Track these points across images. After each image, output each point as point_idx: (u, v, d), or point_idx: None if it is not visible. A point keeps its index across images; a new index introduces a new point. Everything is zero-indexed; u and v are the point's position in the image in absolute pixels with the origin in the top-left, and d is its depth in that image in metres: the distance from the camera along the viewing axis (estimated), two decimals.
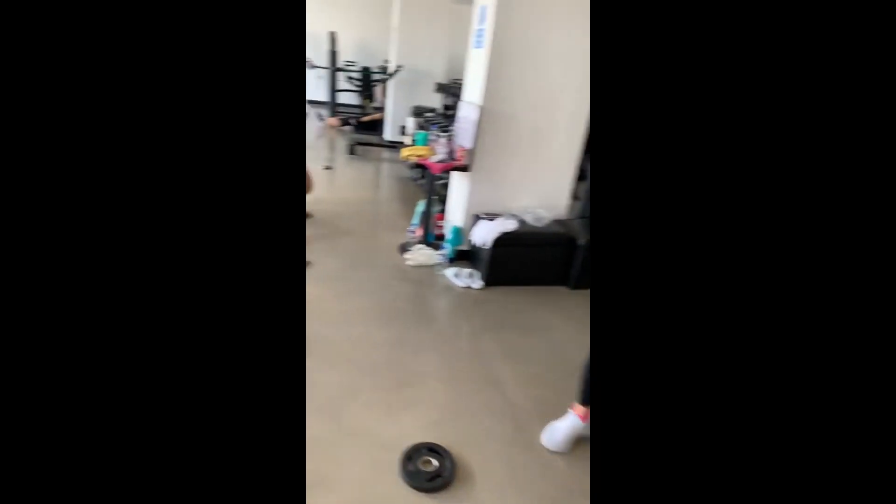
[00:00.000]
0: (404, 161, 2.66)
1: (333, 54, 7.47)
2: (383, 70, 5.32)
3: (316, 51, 8.02)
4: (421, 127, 2.88)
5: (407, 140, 2.79)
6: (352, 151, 5.24)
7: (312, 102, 8.31)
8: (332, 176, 4.41)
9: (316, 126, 6.83)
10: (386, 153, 5.66)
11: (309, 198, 3.17)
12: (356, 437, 1.50)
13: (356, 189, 4.18)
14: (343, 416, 1.57)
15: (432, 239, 3.01)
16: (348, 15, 8.28)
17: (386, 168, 5.18)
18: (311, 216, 3.33)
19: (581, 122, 2.67)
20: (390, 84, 5.49)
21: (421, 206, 3.04)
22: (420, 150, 2.62)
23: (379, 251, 2.87)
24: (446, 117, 5.58)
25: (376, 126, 6.80)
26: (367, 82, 8.31)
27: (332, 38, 7.51)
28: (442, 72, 5.78)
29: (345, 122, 6.74)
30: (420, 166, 2.64)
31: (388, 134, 5.89)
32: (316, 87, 7.89)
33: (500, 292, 2.55)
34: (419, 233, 3.00)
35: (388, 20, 8.22)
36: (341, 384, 1.71)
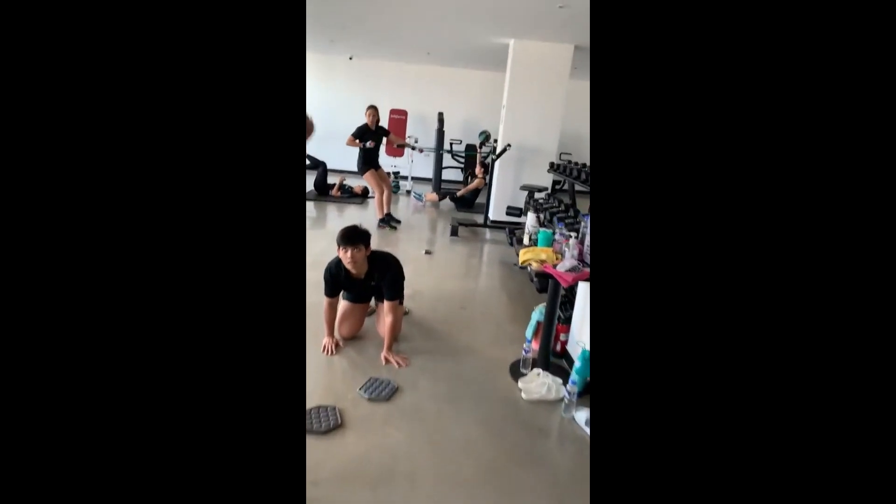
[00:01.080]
0: (524, 267, 2.12)
1: (441, 134, 7.57)
2: (492, 149, 5.08)
3: (424, 131, 8.26)
4: (542, 224, 2.36)
5: (525, 238, 2.30)
6: (454, 233, 4.91)
7: (417, 179, 8.45)
8: (431, 263, 4.06)
9: (413, 203, 6.78)
10: (489, 234, 5.26)
11: (407, 291, 2.78)
12: None
13: (458, 279, 3.75)
14: None
15: (553, 359, 2.37)
16: (456, 94, 8.49)
17: (489, 251, 4.73)
18: (408, 313, 2.92)
19: None
20: (497, 163, 5.20)
21: (538, 315, 2.44)
22: (542, 252, 2.08)
23: (485, 373, 2.30)
24: (554, 193, 5.13)
25: (475, 197, 6.53)
26: (474, 159, 8.26)
27: (441, 119, 7.65)
28: (553, 149, 5.38)
29: (443, 197, 6.58)
30: (543, 276, 2.08)
31: (493, 213, 5.52)
32: (424, 164, 8.02)
33: None
34: (535, 347, 2.39)
35: (494, 97, 8.25)
36: None
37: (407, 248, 4.38)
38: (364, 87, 8.30)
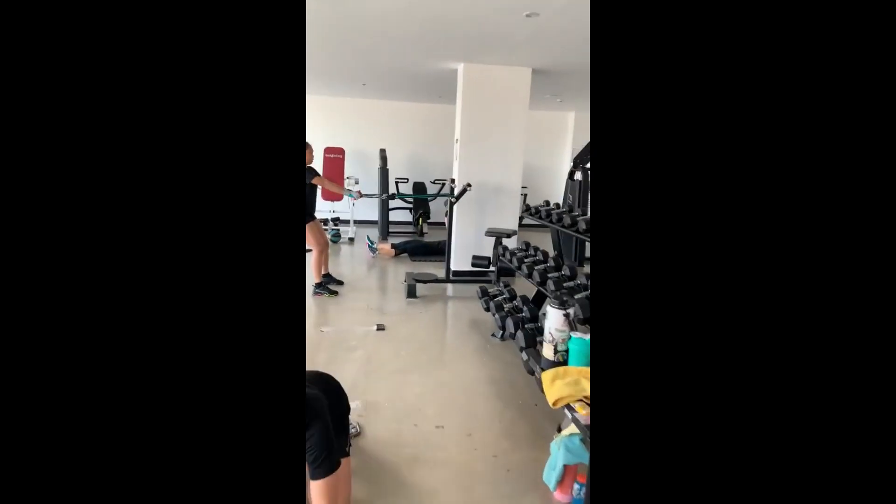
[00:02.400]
0: (570, 409, 1.23)
1: (385, 172, 6.75)
2: (450, 190, 4.29)
3: (365, 171, 7.41)
4: (573, 323, 1.51)
5: (546, 348, 1.45)
6: (411, 293, 4.01)
7: (361, 223, 7.52)
8: (386, 342, 3.10)
9: (368, 256, 5.83)
10: (452, 289, 4.40)
11: (354, 404, 1.83)
12: None
13: (424, 367, 2.82)
14: None
15: None
16: (399, 129, 7.75)
17: (456, 312, 3.86)
18: (357, 434, 1.96)
19: None
20: (455, 206, 4.42)
21: (562, 453, 1.57)
22: (584, 380, 1.24)
23: None
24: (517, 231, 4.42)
25: (439, 250, 5.70)
26: (423, 199, 7.48)
27: (383, 156, 6.85)
28: (517, 186, 4.70)
29: (400, 251, 5.68)
30: None
31: (455, 263, 4.68)
32: (368, 206, 7.13)
33: None
34: (564, 502, 1.51)
35: (443, 131, 7.61)
36: None
37: (352, 322, 3.40)
38: None
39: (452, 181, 4.39)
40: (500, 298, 3.15)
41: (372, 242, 5.69)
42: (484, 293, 3.40)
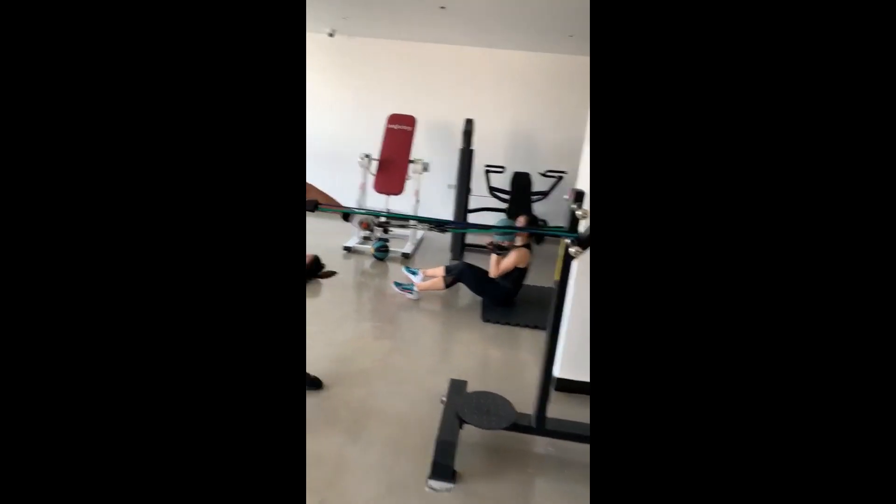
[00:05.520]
0: None
1: (468, 155, 4.37)
2: (569, 217, 1.79)
3: (444, 149, 5.09)
4: None
5: None
6: (441, 470, 1.65)
7: (423, 220, 5.29)
8: None
9: (399, 294, 3.44)
10: (547, 447, 1.92)
11: None
12: None
13: None
14: None
15: None
16: (497, 92, 5.28)
17: None
18: None
19: None
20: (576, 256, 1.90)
21: None
22: None
23: None
24: None
25: (518, 285, 3.29)
26: (525, 199, 4.98)
27: (468, 130, 4.46)
28: None
29: (453, 280, 3.35)
30: None
31: (565, 366, 2.19)
32: (441, 202, 4.89)
33: None
34: None
35: (563, 97, 4.96)
36: None
37: None
38: (353, 81, 5.33)
39: (578, 197, 1.80)
40: None
41: (405, 282, 3.40)
42: None
